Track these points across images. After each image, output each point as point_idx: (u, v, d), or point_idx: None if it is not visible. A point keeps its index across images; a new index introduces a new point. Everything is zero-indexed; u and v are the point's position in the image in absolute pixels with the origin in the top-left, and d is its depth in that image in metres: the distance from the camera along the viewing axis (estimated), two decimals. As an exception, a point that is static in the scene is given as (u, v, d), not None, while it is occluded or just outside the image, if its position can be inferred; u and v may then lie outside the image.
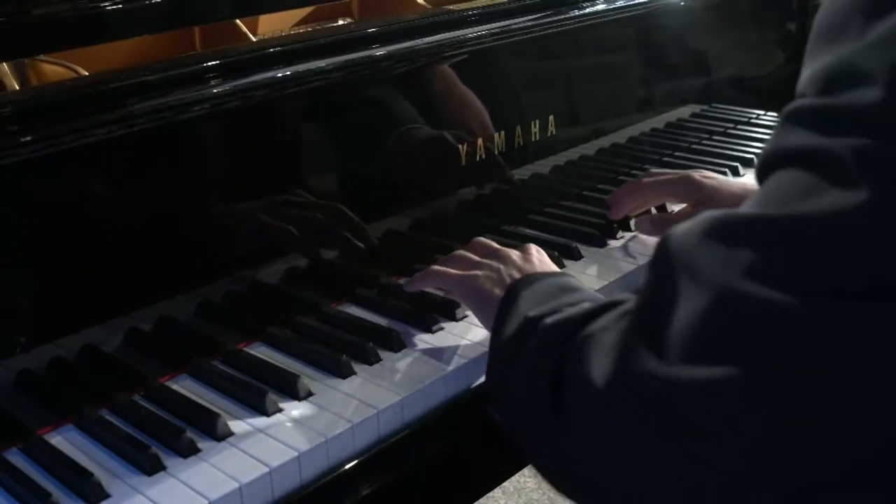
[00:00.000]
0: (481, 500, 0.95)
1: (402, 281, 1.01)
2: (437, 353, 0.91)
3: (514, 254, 0.92)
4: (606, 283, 1.05)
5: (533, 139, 1.19)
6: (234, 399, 0.84)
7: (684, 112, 1.48)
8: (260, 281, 0.95)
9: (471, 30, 1.10)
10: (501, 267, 0.89)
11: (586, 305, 0.72)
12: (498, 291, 0.85)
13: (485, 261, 0.93)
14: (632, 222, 1.18)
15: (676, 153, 1.43)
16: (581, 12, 1.22)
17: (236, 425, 0.80)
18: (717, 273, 0.53)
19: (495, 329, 0.80)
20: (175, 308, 0.89)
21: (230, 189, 0.92)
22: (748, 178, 1.13)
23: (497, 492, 1.99)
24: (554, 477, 0.71)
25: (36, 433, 0.80)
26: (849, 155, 0.49)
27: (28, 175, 0.77)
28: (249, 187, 0.93)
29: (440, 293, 1.00)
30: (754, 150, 1.43)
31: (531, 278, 0.83)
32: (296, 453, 0.76)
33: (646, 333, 0.58)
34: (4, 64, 0.93)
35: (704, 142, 1.48)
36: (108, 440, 0.79)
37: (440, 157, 1.09)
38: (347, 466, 0.79)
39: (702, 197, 1.09)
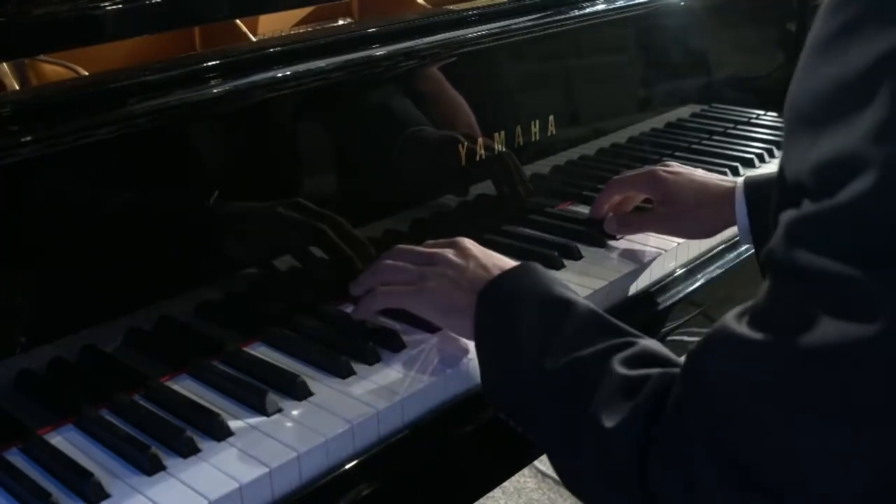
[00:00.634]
0: (481, 500, 0.95)
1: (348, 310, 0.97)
2: (437, 354, 0.91)
3: (450, 252, 0.90)
4: (606, 282, 1.05)
5: (533, 139, 1.19)
6: (234, 399, 0.84)
7: (684, 112, 1.48)
8: (260, 281, 0.95)
9: (471, 30, 1.10)
10: (448, 271, 0.88)
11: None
12: (460, 296, 0.85)
13: (426, 268, 0.90)
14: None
15: (676, 153, 1.43)
16: (581, 12, 1.22)
17: (236, 425, 0.80)
18: None
19: (482, 338, 0.81)
20: (175, 308, 0.89)
21: (230, 189, 0.92)
22: (715, 175, 1.14)
23: (497, 492, 1.99)
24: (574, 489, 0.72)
25: (36, 433, 0.80)
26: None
27: (28, 175, 0.77)
28: (249, 187, 0.93)
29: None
30: (754, 150, 1.43)
31: (497, 285, 0.83)
32: (296, 453, 0.76)
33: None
34: (4, 64, 0.93)
35: (704, 142, 1.48)
36: (108, 440, 0.79)
37: (440, 157, 1.09)
38: (347, 466, 0.79)
39: (665, 191, 1.11)
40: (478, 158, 1.12)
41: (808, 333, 0.53)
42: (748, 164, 1.38)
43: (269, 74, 0.92)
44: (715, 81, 1.53)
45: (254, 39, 1.06)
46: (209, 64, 0.89)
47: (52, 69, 0.97)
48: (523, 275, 0.84)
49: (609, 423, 0.65)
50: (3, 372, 0.79)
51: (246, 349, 0.93)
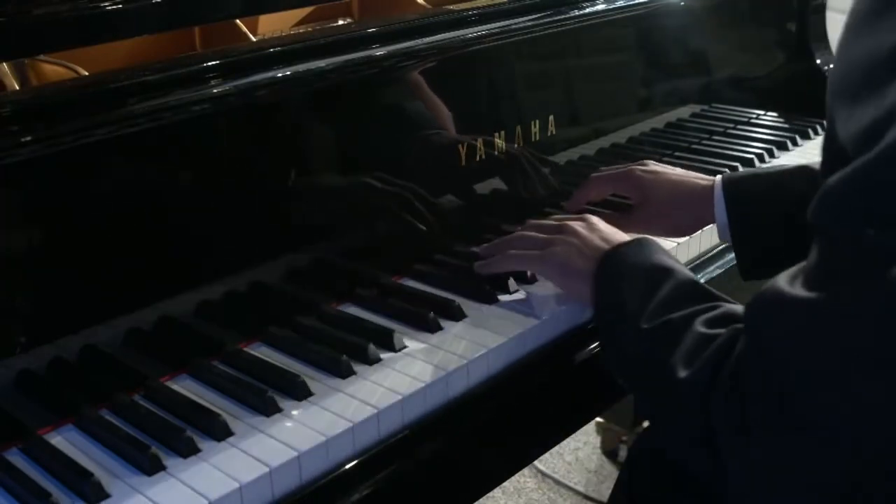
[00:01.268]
0: (481, 500, 0.95)
1: (476, 263, 1.04)
2: (436, 354, 0.91)
3: (578, 224, 0.98)
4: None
5: (533, 139, 1.19)
6: (234, 399, 0.84)
7: (684, 112, 1.48)
8: (260, 281, 0.95)
9: (471, 30, 1.10)
10: (573, 239, 0.95)
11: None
12: (582, 262, 0.93)
13: (556, 236, 0.98)
14: None
15: (676, 153, 1.43)
16: (581, 12, 1.23)
17: (236, 425, 0.80)
18: None
19: (597, 301, 0.90)
20: (175, 308, 0.89)
21: (230, 189, 0.92)
22: (693, 173, 1.14)
23: (497, 492, 1.99)
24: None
25: (36, 433, 0.80)
26: None
27: (28, 175, 0.77)
28: (249, 187, 0.93)
29: (440, 293, 1.00)
30: (754, 150, 1.43)
31: (620, 253, 0.91)
32: (296, 453, 0.76)
33: None
34: (4, 64, 0.93)
35: (704, 142, 1.48)
36: (108, 440, 0.79)
37: (441, 157, 1.09)
38: (347, 466, 0.79)
39: (642, 191, 1.12)
40: (478, 158, 1.12)
41: (860, 289, 0.59)
42: (748, 164, 1.38)
43: (270, 74, 0.92)
44: (715, 81, 1.54)
45: (254, 39, 1.06)
46: (209, 64, 0.90)
47: (52, 69, 0.97)
48: (636, 246, 0.91)
49: (683, 373, 0.73)
50: (3, 372, 0.79)
51: (246, 349, 0.93)
